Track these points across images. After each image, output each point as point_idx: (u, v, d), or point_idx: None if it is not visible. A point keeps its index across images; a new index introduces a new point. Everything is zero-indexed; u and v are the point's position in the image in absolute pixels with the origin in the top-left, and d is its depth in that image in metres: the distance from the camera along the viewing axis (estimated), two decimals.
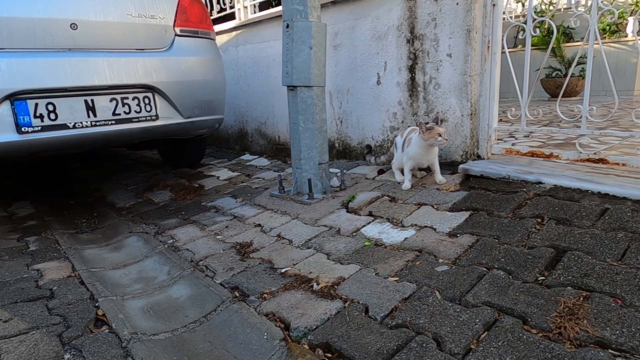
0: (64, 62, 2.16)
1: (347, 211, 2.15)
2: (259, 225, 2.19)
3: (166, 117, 2.55)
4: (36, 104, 2.08)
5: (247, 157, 3.94)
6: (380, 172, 2.62)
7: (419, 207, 2.01)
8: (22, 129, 2.06)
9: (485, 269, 1.41)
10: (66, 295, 1.60)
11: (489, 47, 2.19)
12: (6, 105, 2.00)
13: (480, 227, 1.70)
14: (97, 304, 1.53)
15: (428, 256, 1.57)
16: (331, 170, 2.85)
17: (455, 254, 1.55)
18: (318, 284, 1.51)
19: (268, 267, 1.71)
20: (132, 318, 1.45)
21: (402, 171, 2.37)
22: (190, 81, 2.62)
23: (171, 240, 2.14)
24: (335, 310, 1.33)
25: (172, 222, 2.42)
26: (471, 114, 2.26)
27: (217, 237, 2.12)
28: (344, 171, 2.78)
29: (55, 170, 4.22)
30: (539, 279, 1.31)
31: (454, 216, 1.85)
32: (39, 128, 2.10)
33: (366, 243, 1.78)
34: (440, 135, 2.02)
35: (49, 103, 2.12)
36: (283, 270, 1.65)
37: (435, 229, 1.77)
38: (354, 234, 1.89)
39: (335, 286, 1.47)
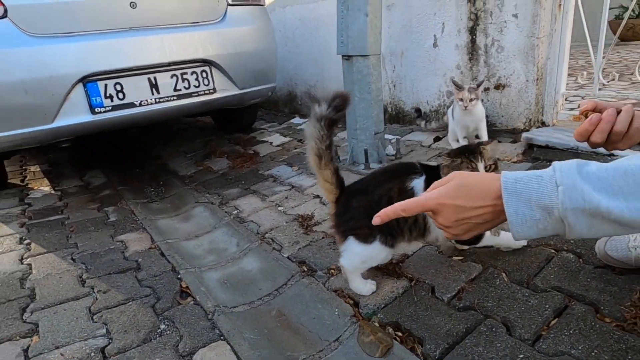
0: (126, 42, 2.23)
1: None
2: (318, 196, 2.26)
3: (223, 89, 2.60)
4: (106, 85, 2.20)
5: (297, 120, 3.98)
6: (437, 139, 2.57)
7: None
8: (95, 110, 2.19)
9: (553, 251, 1.40)
10: (151, 267, 1.77)
11: (560, 4, 2.02)
12: (80, 88, 2.13)
13: None
14: (179, 276, 1.69)
15: None
16: (385, 136, 2.83)
17: None
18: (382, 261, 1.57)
19: (331, 241, 1.78)
20: (212, 290, 1.60)
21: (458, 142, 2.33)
22: (244, 52, 2.64)
23: (236, 212, 2.27)
24: (402, 289, 1.39)
25: (233, 192, 2.54)
26: (537, 79, 2.14)
27: (279, 208, 2.22)
28: (399, 138, 2.76)
29: (117, 137, 4.46)
30: None
31: None
32: (110, 108, 2.23)
33: None
34: (461, 100, 2.03)
35: (116, 83, 2.22)
36: None
37: None
38: None
39: (400, 264, 1.53)
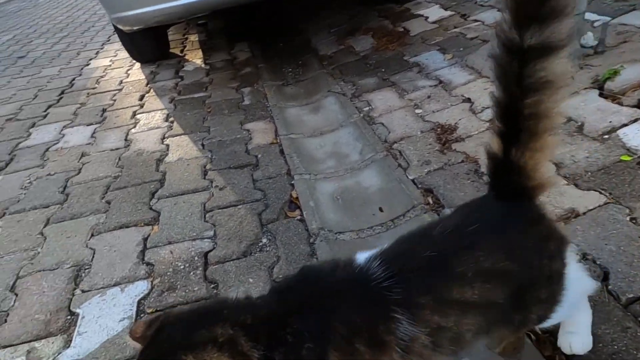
0: None
1: (601, 94, 1.52)
2: (468, 100, 1.79)
3: None
4: None
5: None
6: None
7: None
8: None
9: None
10: (267, 166, 1.69)
11: None
12: None
13: None
14: (292, 182, 1.57)
15: None
16: (586, 16, 2.01)
17: None
18: None
19: (472, 169, 1.40)
20: (322, 206, 1.44)
21: None
22: None
23: (367, 108, 1.98)
24: None
25: (370, 83, 2.21)
26: None
27: (417, 110, 1.84)
28: (609, 21, 1.93)
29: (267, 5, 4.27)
30: None
31: None
32: None
33: (623, 157, 1.24)
34: None
35: None
36: None
37: None
38: (606, 136, 1.34)
39: (562, 223, 1.10)
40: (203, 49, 3.37)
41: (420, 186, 1.41)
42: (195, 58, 3.16)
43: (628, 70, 1.55)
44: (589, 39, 1.81)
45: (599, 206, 1.12)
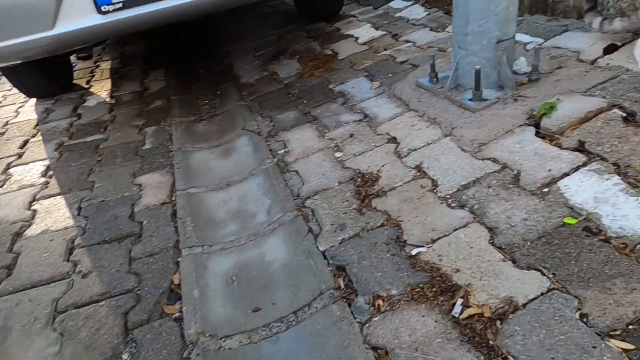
0: None
1: (538, 134, 1.31)
2: (394, 139, 1.54)
3: None
4: None
5: (397, 4, 2.99)
6: (611, 49, 1.53)
7: None
8: (102, 9, 1.65)
9: None
10: (152, 238, 1.36)
11: None
12: None
13: None
14: (178, 259, 1.25)
15: None
16: (517, 37, 1.82)
17: None
18: (465, 305, 0.90)
19: (393, 237, 1.14)
20: (209, 296, 1.13)
21: None
22: None
23: (282, 151, 1.69)
24: None
25: (288, 118, 1.93)
26: None
27: (336, 154, 1.57)
28: (541, 44, 1.75)
29: (189, 25, 3.94)
30: None
31: None
32: (120, 5, 1.66)
33: (567, 220, 1.01)
34: None
35: None
36: (414, 253, 1.07)
37: None
38: (546, 189, 1.12)
39: (498, 322, 0.85)
40: (113, 78, 2.98)
41: (331, 262, 1.13)
42: (102, 90, 2.78)
43: (565, 103, 1.34)
44: (522, 64, 1.62)
45: (542, 294, 0.87)
